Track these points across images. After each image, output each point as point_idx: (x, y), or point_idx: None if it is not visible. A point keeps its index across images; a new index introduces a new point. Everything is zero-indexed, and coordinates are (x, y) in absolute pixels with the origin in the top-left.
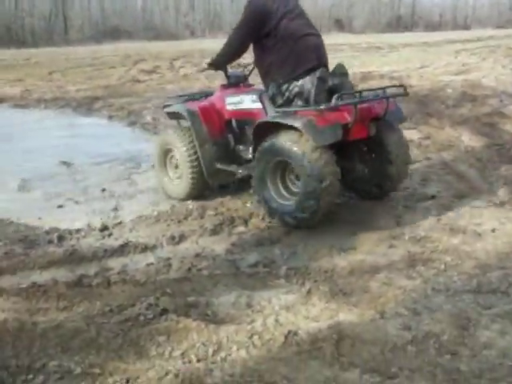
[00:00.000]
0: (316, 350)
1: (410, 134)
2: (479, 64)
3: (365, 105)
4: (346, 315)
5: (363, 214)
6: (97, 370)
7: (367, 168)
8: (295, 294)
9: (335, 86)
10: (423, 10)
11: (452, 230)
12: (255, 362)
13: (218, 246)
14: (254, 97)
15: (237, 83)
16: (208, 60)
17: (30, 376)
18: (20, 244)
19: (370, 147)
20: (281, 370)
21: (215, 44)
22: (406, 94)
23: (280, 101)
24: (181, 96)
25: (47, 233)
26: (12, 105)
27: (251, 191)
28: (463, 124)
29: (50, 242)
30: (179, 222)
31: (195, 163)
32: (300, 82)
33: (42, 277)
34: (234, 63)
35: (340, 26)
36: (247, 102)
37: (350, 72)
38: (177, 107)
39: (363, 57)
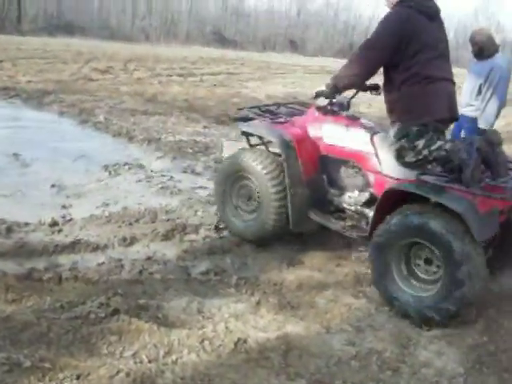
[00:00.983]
0: (264, 359)
1: None
2: None
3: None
4: (294, 328)
5: (313, 232)
6: (47, 365)
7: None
8: (244, 303)
9: (488, 158)
10: None
11: None
12: (205, 366)
13: (170, 251)
14: (365, 136)
15: (336, 111)
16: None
17: None
18: None
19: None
20: (230, 376)
21: (170, 51)
22: None
23: (411, 158)
24: (253, 108)
25: None
26: None
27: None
28: None
29: None
30: (130, 224)
31: (281, 203)
32: (449, 146)
33: None
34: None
35: (294, 47)
36: (353, 139)
37: (299, 92)
38: (264, 130)
39: (315, 79)
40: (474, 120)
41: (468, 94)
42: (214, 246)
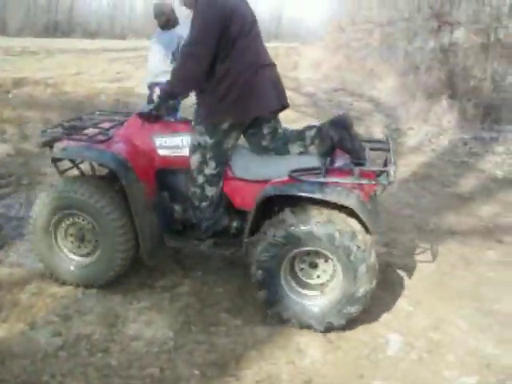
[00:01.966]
0: None
1: None
2: (133, 73)
3: None
4: None
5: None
6: None
7: None
8: None
9: (345, 143)
10: (81, 17)
11: None
12: None
13: None
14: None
15: (162, 116)
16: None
17: None
18: None
19: None
20: None
21: None
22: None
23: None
24: (55, 127)
25: None
26: None
27: None
28: None
29: None
30: None
31: (128, 236)
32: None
33: None
34: None
35: None
36: (188, 145)
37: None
38: (88, 153)
39: (17, 61)
40: None
41: (162, 62)
42: None
